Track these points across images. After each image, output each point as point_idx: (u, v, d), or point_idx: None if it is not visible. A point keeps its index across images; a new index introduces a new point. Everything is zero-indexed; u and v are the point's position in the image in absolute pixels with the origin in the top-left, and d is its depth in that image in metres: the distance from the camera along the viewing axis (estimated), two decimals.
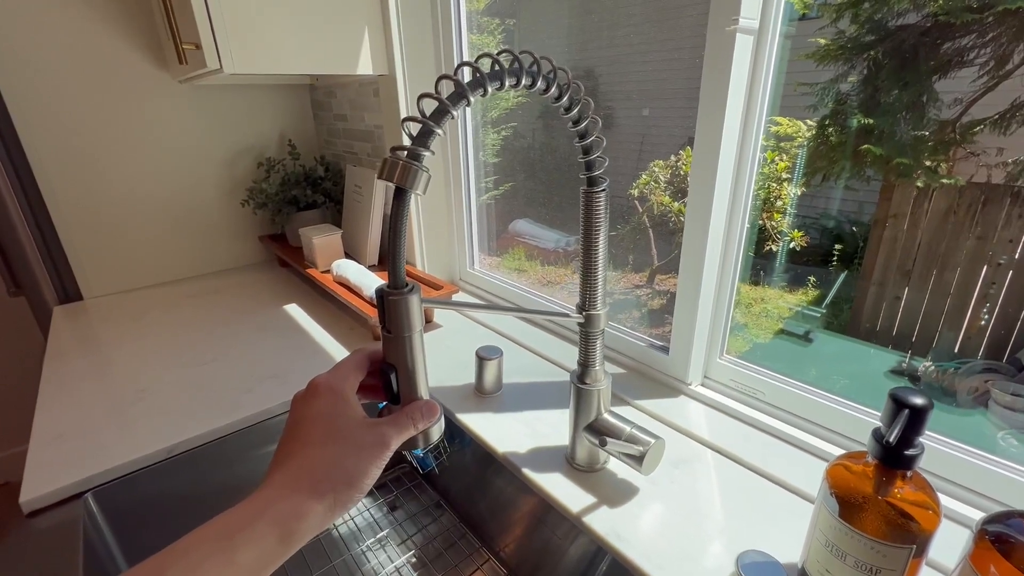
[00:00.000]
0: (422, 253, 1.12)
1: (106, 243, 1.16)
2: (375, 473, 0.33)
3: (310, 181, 1.28)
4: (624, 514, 0.54)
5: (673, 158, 1.54)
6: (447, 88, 0.35)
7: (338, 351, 0.90)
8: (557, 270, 1.89)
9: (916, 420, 0.35)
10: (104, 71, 1.06)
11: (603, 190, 0.49)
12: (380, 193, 1.11)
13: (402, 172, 0.33)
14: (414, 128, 0.34)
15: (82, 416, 0.74)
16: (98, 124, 1.09)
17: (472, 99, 0.35)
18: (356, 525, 0.83)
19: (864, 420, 0.58)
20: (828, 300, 1.26)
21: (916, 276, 1.43)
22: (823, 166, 1.52)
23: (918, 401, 0.35)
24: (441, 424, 0.40)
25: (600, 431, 0.56)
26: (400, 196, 0.33)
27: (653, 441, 0.53)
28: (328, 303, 1.10)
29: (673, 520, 0.53)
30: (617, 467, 0.61)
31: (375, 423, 0.34)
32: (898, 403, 0.36)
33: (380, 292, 0.36)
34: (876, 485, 0.38)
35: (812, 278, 1.38)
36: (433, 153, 0.34)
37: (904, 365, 1.23)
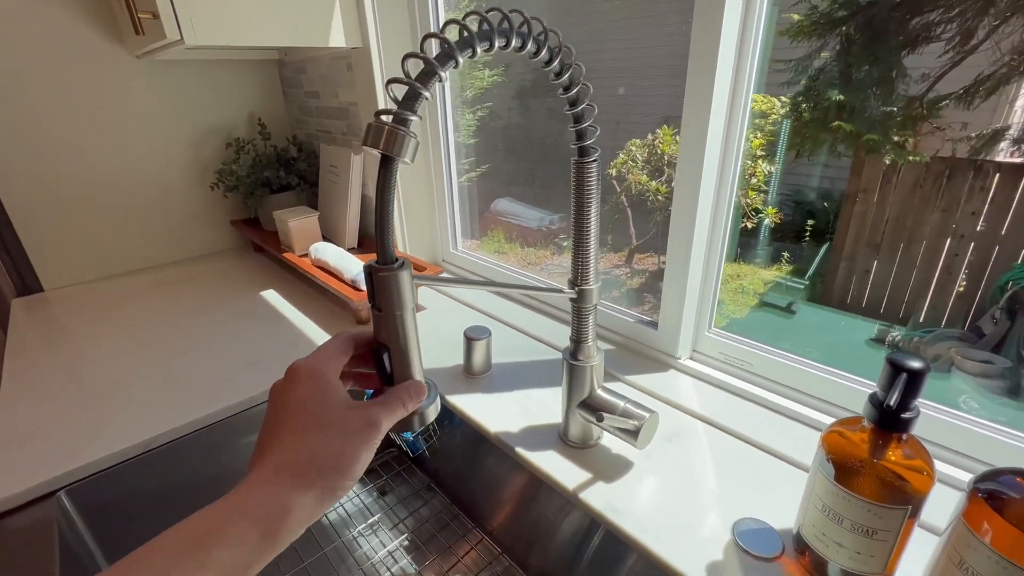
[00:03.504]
0: (403, 234, 1.09)
1: (65, 230, 1.10)
2: (366, 458, 0.31)
3: (283, 162, 1.23)
4: (620, 488, 0.54)
5: (650, 136, 1.53)
6: (432, 50, 0.33)
7: (320, 336, 0.88)
8: (537, 251, 1.88)
9: (913, 383, 0.35)
10: (53, 47, 0.99)
11: (595, 160, 0.47)
12: (357, 173, 1.07)
13: (388, 138, 0.31)
14: (399, 91, 0.32)
15: (50, 413, 0.70)
16: (50, 104, 1.01)
17: (460, 60, 0.33)
18: (346, 511, 0.82)
19: (847, 386, 0.59)
20: (810, 273, 1.28)
21: (885, 249, 1.46)
22: (796, 142, 1.54)
23: (915, 364, 0.35)
24: (437, 404, 0.38)
25: (594, 407, 0.55)
26: (387, 165, 0.31)
27: (648, 415, 0.53)
28: (307, 288, 1.07)
29: (668, 492, 0.53)
30: (611, 442, 0.60)
31: (362, 405, 0.32)
32: (896, 367, 0.36)
33: (369, 269, 0.34)
34: (872, 449, 0.38)
35: (786, 254, 1.41)
36: (420, 118, 0.32)
37: (879, 332, 1.26)
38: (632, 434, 0.53)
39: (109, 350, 0.86)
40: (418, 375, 0.37)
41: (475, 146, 1.24)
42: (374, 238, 1.15)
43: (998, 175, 1.37)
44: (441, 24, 0.92)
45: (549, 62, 0.40)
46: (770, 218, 1.37)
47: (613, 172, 1.45)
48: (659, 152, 1.57)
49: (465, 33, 0.33)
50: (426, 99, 0.32)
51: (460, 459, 0.80)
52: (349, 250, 1.08)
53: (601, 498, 0.53)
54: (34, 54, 0.98)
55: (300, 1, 0.85)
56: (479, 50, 0.34)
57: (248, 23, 0.82)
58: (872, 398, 0.38)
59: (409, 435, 0.76)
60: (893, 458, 0.38)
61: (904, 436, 0.37)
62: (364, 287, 0.89)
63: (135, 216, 1.18)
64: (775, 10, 0.60)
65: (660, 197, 1.60)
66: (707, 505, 0.52)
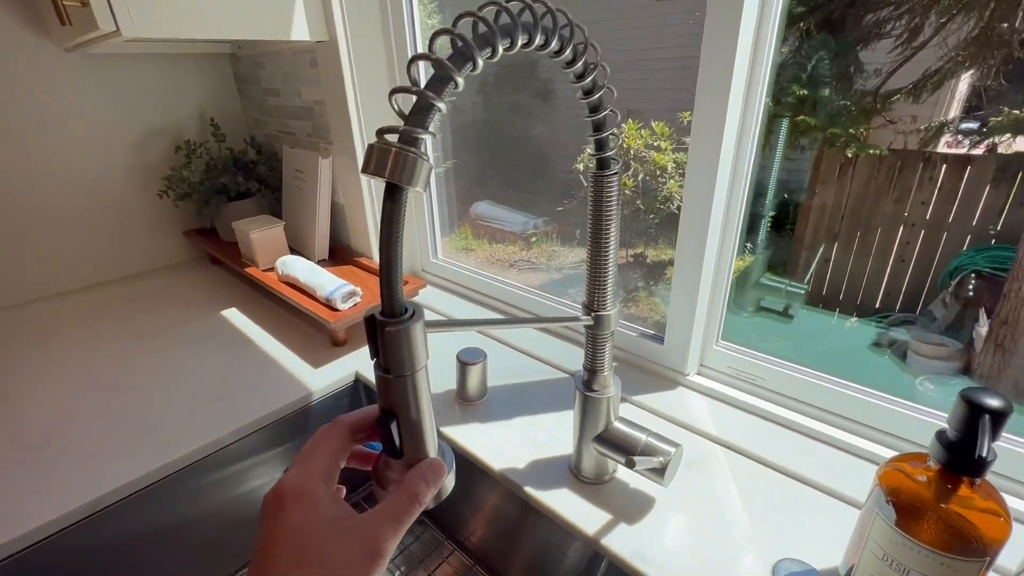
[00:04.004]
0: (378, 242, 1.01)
1: None
2: None
3: (240, 166, 1.12)
4: (645, 530, 0.49)
5: (616, 131, 1.49)
6: (441, 52, 0.26)
7: (293, 362, 0.79)
8: (506, 247, 1.82)
9: (995, 425, 0.32)
10: None
11: (615, 173, 0.42)
12: (326, 178, 0.98)
13: (395, 163, 0.24)
14: (406, 103, 0.25)
15: None
16: None
17: (480, 62, 0.27)
18: None
19: (869, 402, 0.56)
20: (809, 275, 1.27)
21: (842, 239, 1.50)
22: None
23: (996, 403, 0.32)
24: (453, 472, 0.32)
25: (616, 444, 0.50)
26: (394, 195, 0.25)
27: (673, 450, 0.48)
28: (275, 306, 0.98)
29: (698, 532, 0.49)
30: (627, 476, 0.56)
31: (360, 526, 0.26)
32: (974, 406, 0.32)
33: (372, 320, 0.27)
34: (940, 492, 0.35)
35: (748, 244, 1.41)
36: (434, 135, 0.25)
37: (879, 336, 1.27)
38: (659, 472, 0.48)
39: (46, 386, 0.75)
40: (432, 446, 0.31)
41: (439, 142, 1.17)
42: (349, 245, 1.05)
43: (944, 166, 1.42)
44: (407, 30, 0.84)
45: (572, 62, 0.34)
46: None
47: (580, 167, 1.42)
48: (624, 146, 1.53)
49: (484, 29, 0.27)
50: (440, 111, 0.25)
51: (454, 488, 0.74)
52: (319, 263, 1.00)
53: (626, 543, 0.48)
54: None
55: None
56: (500, 48, 0.28)
57: (197, 13, 0.72)
58: (941, 437, 0.35)
59: None
60: (965, 503, 0.34)
61: (977, 480, 0.34)
62: (340, 306, 0.81)
63: (73, 229, 1.05)
64: None
65: (627, 191, 1.57)
66: (741, 545, 0.47)
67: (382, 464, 0.31)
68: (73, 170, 1.02)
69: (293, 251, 1.01)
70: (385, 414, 0.29)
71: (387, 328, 0.27)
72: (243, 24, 0.77)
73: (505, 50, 0.29)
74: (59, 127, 0.99)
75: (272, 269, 0.96)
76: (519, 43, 0.29)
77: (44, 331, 0.92)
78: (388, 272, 0.26)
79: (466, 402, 0.69)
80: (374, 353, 0.28)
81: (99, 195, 1.07)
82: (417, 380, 0.28)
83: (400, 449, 0.30)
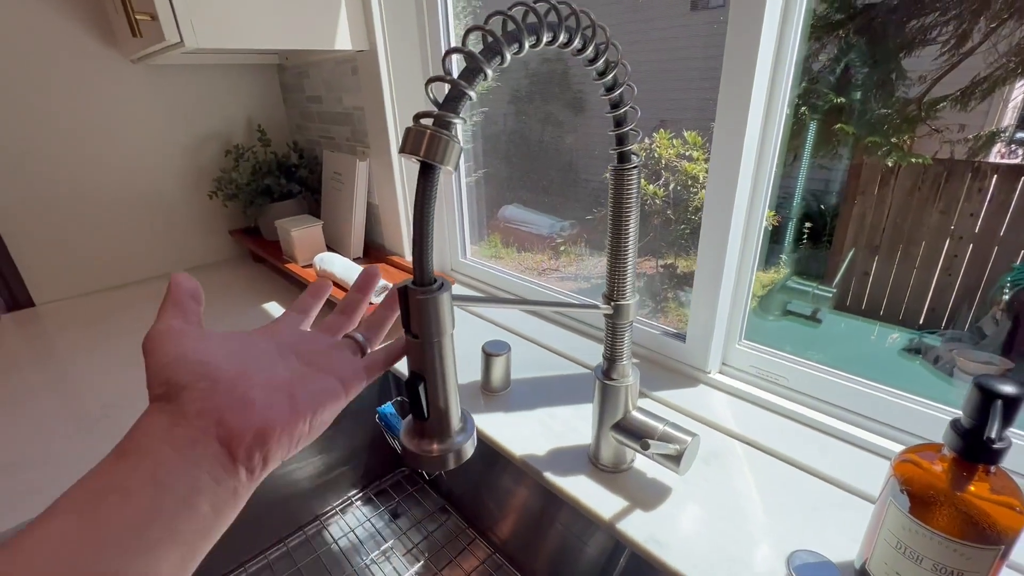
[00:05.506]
0: (410, 242, 1.05)
1: (57, 242, 1.05)
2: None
3: (283, 169, 1.19)
4: (660, 517, 0.50)
5: (647, 141, 1.51)
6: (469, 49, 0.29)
7: None
8: (534, 256, 1.84)
9: (1009, 410, 0.32)
10: (43, 50, 0.95)
11: (635, 167, 0.44)
12: (363, 180, 1.03)
13: (430, 144, 0.27)
14: (440, 92, 0.28)
15: (38, 439, 0.66)
16: (40, 111, 0.97)
17: (508, 56, 0.29)
18: (358, 537, 0.78)
19: (891, 401, 0.55)
20: (838, 279, 1.25)
21: (884, 251, 1.45)
22: (796, 145, 1.53)
23: (1009, 390, 0.32)
24: (474, 438, 0.35)
25: (632, 431, 0.52)
26: (427, 174, 0.28)
27: (690, 439, 0.49)
28: None
29: (713, 521, 0.50)
30: (645, 466, 0.57)
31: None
32: (987, 392, 0.32)
33: (404, 289, 0.30)
34: (955, 481, 0.35)
35: (783, 256, 1.39)
36: (464, 120, 0.28)
37: (912, 342, 1.23)
38: (674, 460, 0.49)
39: (103, 368, 0.81)
40: (455, 408, 0.33)
41: (471, 152, 1.21)
42: (378, 243, 1.10)
43: (995, 176, 1.36)
44: (441, 39, 0.89)
45: (594, 60, 0.36)
46: (768, 221, 1.36)
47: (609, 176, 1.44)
48: (656, 156, 1.54)
49: (513, 26, 0.30)
50: (470, 99, 0.28)
51: (475, 477, 0.76)
52: (355, 260, 1.04)
53: (641, 529, 0.49)
54: (22, 58, 0.94)
55: (305, 2, 0.82)
56: (526, 45, 0.30)
57: (251, 25, 0.78)
58: (955, 425, 0.35)
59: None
60: (979, 492, 0.34)
61: (992, 468, 0.34)
62: (373, 300, 0.85)
63: (130, 226, 1.13)
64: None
65: (657, 201, 1.57)
66: (756, 535, 0.48)
67: (409, 425, 0.34)
68: (133, 173, 1.11)
69: (330, 249, 1.06)
70: (413, 377, 0.32)
71: (418, 296, 0.29)
72: (292, 34, 0.83)
73: (531, 46, 0.31)
74: (123, 133, 1.07)
75: (310, 265, 1.01)
76: (544, 40, 0.32)
77: (103, 318, 0.99)
78: (420, 245, 0.29)
79: (490, 393, 0.71)
80: (405, 320, 0.31)
81: (155, 196, 1.15)
82: (443, 346, 0.31)
83: (427, 410, 0.32)
